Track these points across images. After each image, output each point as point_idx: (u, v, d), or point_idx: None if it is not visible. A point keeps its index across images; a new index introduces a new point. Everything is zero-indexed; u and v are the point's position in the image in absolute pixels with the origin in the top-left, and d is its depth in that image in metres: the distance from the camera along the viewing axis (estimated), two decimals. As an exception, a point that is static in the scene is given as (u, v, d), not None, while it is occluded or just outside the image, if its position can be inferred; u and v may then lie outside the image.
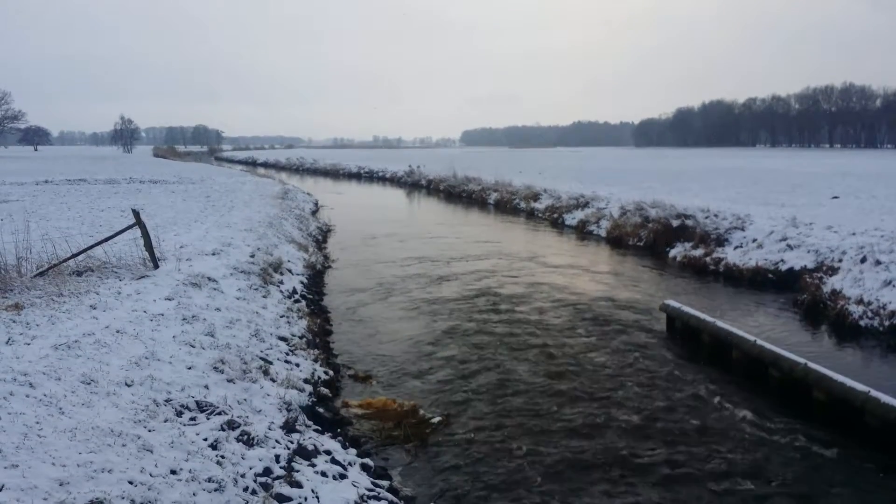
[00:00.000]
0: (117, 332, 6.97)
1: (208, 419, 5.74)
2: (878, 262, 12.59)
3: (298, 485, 5.19)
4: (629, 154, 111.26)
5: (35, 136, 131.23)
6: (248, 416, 6.06)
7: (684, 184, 33.32)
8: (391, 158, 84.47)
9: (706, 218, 18.76)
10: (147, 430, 5.05)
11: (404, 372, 9.17)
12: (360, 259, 18.09)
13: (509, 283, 14.88)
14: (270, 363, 7.91)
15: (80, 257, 10.34)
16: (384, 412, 7.58)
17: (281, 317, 10.19)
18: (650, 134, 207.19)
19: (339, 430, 7.08)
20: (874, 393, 7.03)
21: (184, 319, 8.04)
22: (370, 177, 61.89)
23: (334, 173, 69.06)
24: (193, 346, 7.24)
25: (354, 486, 5.58)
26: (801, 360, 8.08)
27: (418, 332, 11.11)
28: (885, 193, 25.37)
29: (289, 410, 6.69)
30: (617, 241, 21.32)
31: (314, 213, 28.95)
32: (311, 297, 12.94)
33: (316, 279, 14.97)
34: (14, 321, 6.99)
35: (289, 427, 6.27)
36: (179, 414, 5.71)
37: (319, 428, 6.82)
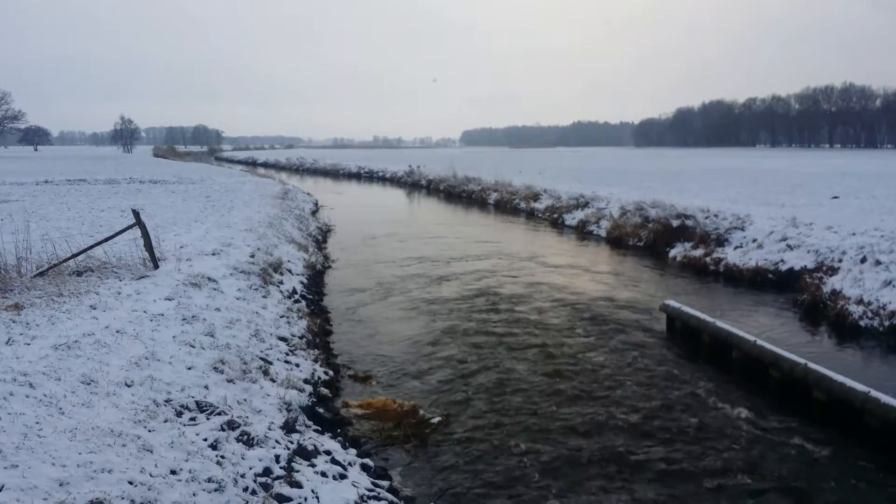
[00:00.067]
0: (117, 332, 6.97)
1: (208, 419, 5.74)
2: (878, 263, 12.60)
3: (298, 485, 5.19)
4: (629, 154, 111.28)
5: (35, 136, 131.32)
6: (247, 417, 6.06)
7: (684, 184, 33.32)
8: (391, 158, 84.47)
9: (706, 218, 18.75)
10: (147, 431, 5.06)
11: (404, 372, 9.18)
12: (360, 259, 18.10)
13: (509, 283, 14.89)
14: (270, 363, 7.91)
15: (80, 257, 10.34)
16: (384, 412, 7.58)
17: (281, 317, 10.19)
18: (650, 134, 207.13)
19: (339, 430, 7.08)
20: (874, 393, 7.04)
21: (184, 319, 8.05)
22: (370, 177, 61.88)
23: (334, 173, 69.08)
24: (193, 347, 7.24)
25: (354, 486, 5.59)
26: (801, 361, 8.09)
27: (418, 332, 11.12)
28: (885, 193, 25.37)
29: (289, 410, 6.69)
30: (617, 241, 21.32)
31: (314, 213, 28.95)
32: (310, 297, 12.94)
33: (316, 279, 14.98)
34: (14, 321, 6.99)
35: (289, 427, 6.27)
36: (179, 414, 5.71)
37: (319, 428, 6.82)
